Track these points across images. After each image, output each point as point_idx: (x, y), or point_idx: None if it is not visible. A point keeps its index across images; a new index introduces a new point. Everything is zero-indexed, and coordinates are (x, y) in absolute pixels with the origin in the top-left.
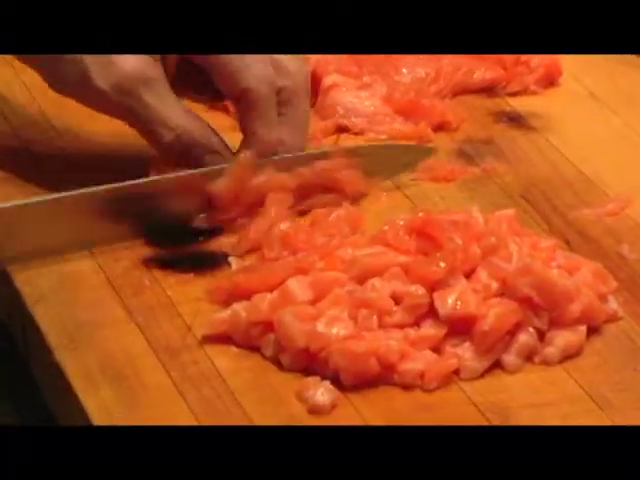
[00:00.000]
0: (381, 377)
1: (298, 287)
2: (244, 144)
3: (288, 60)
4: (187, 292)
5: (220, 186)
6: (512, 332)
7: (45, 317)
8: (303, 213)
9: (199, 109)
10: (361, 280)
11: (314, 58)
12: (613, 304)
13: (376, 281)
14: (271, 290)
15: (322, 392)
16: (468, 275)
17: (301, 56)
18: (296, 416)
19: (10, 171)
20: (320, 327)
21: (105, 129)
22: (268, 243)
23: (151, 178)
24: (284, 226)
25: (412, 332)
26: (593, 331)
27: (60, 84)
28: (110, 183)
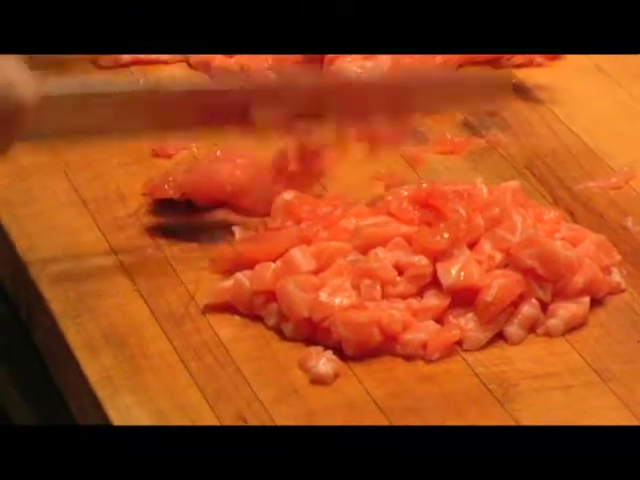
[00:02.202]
0: (383, 347)
1: (301, 257)
2: None
3: None
4: (190, 261)
5: None
6: (515, 303)
7: (49, 286)
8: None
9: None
10: (364, 250)
11: None
12: (616, 276)
13: (379, 251)
14: (274, 260)
15: (324, 362)
16: (472, 246)
17: None
18: (298, 386)
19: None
20: (323, 297)
21: None
22: (272, 213)
23: None
24: (288, 196)
25: (415, 302)
26: (596, 303)
27: None
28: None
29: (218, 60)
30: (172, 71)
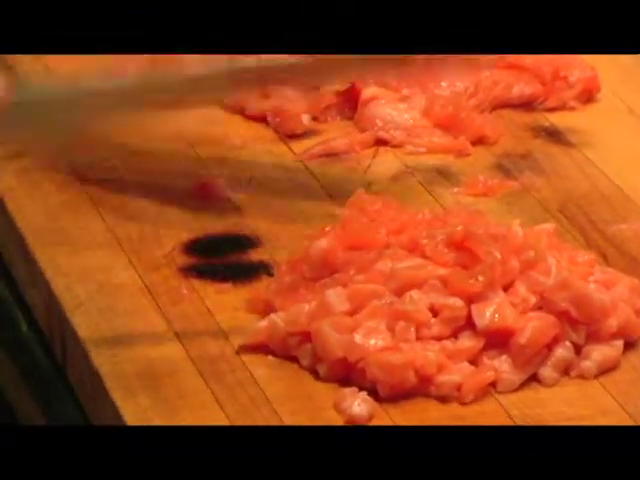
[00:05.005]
0: (418, 389)
1: (336, 298)
2: None
3: None
4: (225, 301)
5: None
6: (549, 346)
7: (83, 325)
8: None
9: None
10: (399, 292)
11: None
12: None
13: (414, 293)
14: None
15: (359, 403)
16: (506, 288)
17: None
18: None
19: (50, 181)
20: (358, 338)
21: (147, 139)
22: (308, 262)
23: None
24: (323, 244)
25: (449, 344)
26: (630, 346)
27: None
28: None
29: (253, 102)
30: (206, 113)
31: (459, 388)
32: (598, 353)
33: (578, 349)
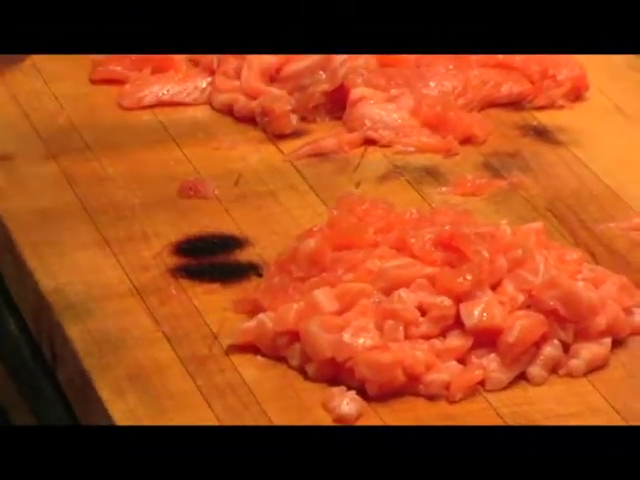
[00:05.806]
0: (406, 387)
1: (324, 297)
2: None
3: None
4: (213, 302)
5: None
6: (538, 344)
7: (72, 326)
8: None
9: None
10: (388, 291)
11: (342, 71)
12: (638, 317)
13: (403, 292)
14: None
15: (347, 402)
16: (494, 287)
17: None
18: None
19: (38, 182)
20: (346, 337)
21: (135, 140)
22: (296, 262)
23: None
24: (311, 244)
25: (438, 343)
26: (618, 344)
27: None
28: (139, 195)
29: (241, 102)
30: (194, 113)
31: (448, 387)
32: (587, 351)
33: (566, 347)
